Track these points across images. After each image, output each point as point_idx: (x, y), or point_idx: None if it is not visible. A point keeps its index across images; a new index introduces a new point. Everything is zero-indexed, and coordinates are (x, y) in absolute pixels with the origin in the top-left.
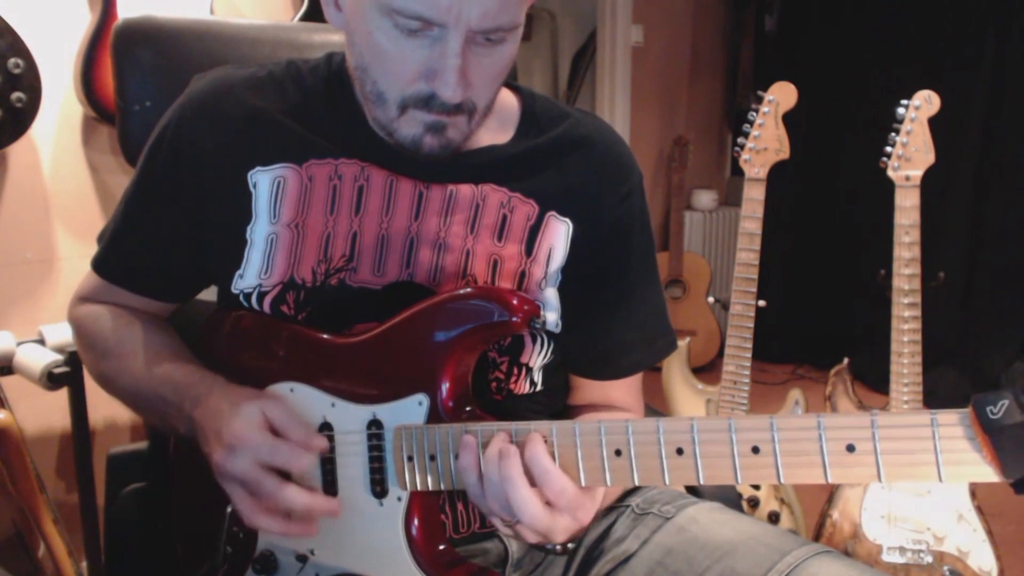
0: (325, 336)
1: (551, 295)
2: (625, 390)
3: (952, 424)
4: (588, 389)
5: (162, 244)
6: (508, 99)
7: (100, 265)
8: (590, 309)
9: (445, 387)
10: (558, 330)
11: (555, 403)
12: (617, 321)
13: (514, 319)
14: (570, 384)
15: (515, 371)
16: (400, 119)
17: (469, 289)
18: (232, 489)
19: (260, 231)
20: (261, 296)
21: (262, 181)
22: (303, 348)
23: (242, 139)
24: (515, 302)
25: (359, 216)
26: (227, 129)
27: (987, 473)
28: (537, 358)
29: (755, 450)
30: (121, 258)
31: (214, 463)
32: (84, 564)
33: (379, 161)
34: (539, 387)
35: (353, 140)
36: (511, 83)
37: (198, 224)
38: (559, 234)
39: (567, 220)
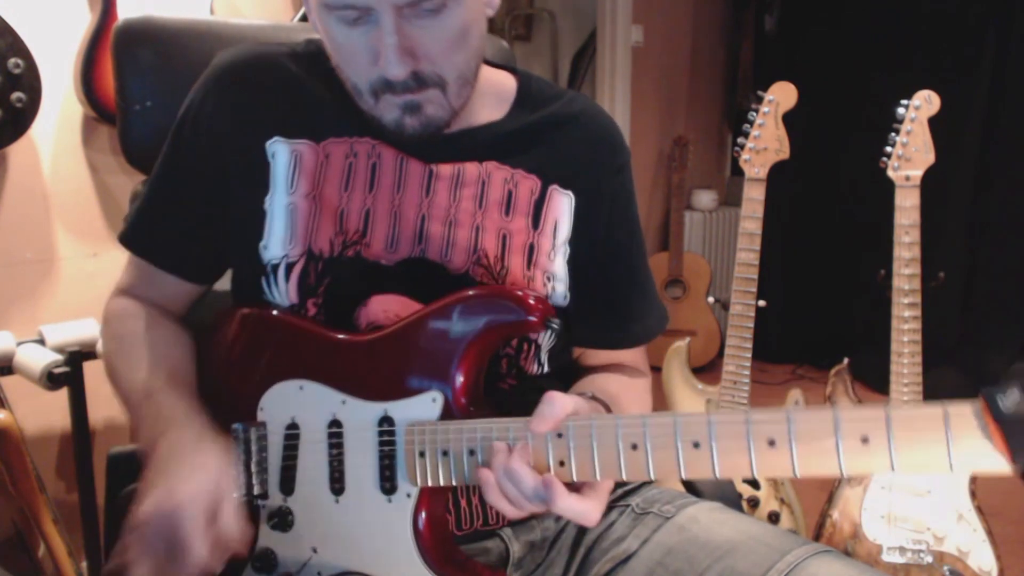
0: (337, 334)
1: (560, 266)
2: (631, 353)
3: (964, 415)
4: (596, 356)
5: (187, 217)
6: (506, 80)
7: (127, 238)
8: (599, 278)
9: (459, 384)
10: (566, 303)
11: (561, 389)
12: (625, 289)
13: (531, 318)
14: (577, 353)
15: (525, 348)
16: (378, 106)
17: (486, 288)
18: (135, 542)
19: (278, 202)
20: (289, 268)
21: (280, 152)
22: (314, 346)
23: (265, 106)
24: (531, 301)
25: (373, 193)
26: (250, 96)
27: (997, 463)
28: (545, 337)
29: (771, 443)
30: (147, 231)
31: (139, 508)
32: (84, 564)
33: (389, 140)
34: (546, 369)
35: (366, 119)
36: (510, 66)
37: (221, 196)
38: (563, 206)
39: (569, 193)
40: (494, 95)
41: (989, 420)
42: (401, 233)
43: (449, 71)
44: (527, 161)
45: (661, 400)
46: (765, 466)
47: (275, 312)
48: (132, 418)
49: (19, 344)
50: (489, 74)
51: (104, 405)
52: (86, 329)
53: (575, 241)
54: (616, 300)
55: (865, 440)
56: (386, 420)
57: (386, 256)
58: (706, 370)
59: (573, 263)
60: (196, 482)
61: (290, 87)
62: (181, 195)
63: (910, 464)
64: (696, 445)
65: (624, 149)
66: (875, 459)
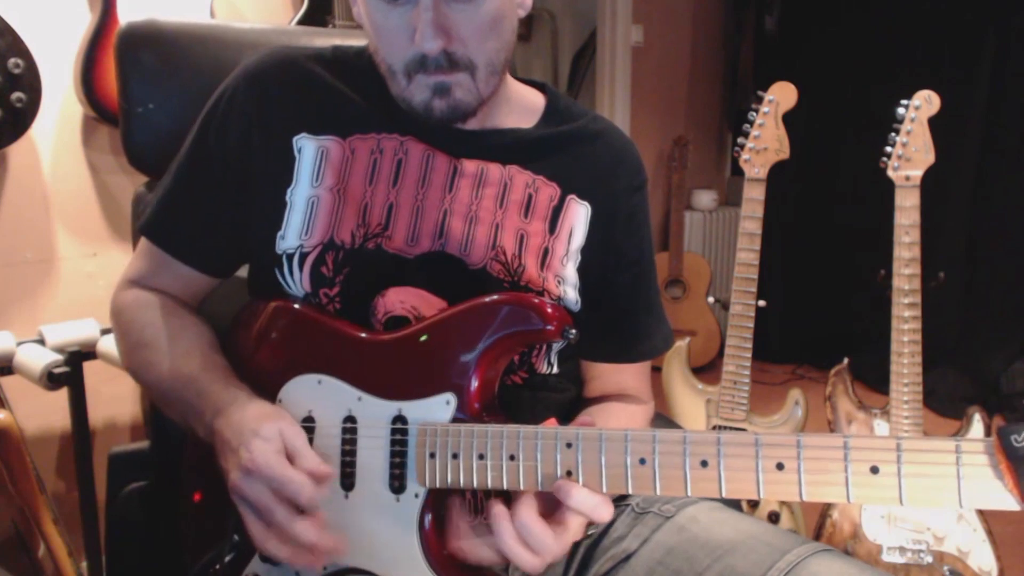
0: (358, 332)
1: (571, 272)
2: (637, 377)
3: (976, 452)
4: (602, 378)
5: (209, 211)
6: (535, 96)
7: (147, 228)
8: (609, 292)
9: (474, 388)
10: (578, 308)
11: (569, 392)
12: (634, 305)
13: (549, 327)
14: (583, 375)
15: (536, 346)
16: (409, 87)
17: (506, 295)
18: (244, 511)
19: (301, 194)
20: (303, 257)
21: (307, 147)
22: (335, 342)
23: (292, 105)
24: (550, 311)
25: (396, 188)
26: (279, 95)
27: (1008, 501)
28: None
29: (779, 467)
30: (168, 222)
31: (229, 482)
32: (84, 564)
33: (417, 135)
34: (555, 369)
35: (394, 114)
36: (540, 83)
37: (244, 191)
38: (579, 216)
39: (586, 204)
40: (523, 107)
41: (1002, 458)
42: (423, 227)
43: (479, 56)
44: (549, 169)
45: (661, 401)
46: (772, 489)
47: (298, 306)
48: (170, 404)
49: (19, 344)
50: (519, 88)
51: (104, 405)
52: (86, 329)
53: (587, 251)
54: (622, 315)
55: (875, 470)
56: (399, 419)
57: (407, 249)
58: (706, 370)
59: (583, 272)
60: (264, 435)
61: (317, 86)
62: (205, 189)
63: (919, 497)
64: (704, 464)
65: (642, 170)
66: (884, 490)
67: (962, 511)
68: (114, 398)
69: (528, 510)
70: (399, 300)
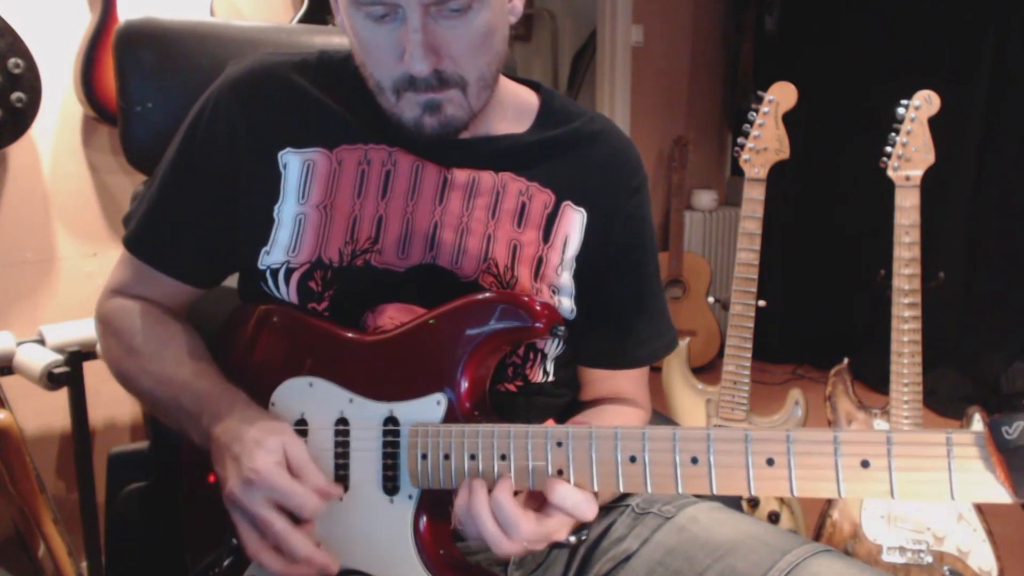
0: (347, 333)
1: (566, 280)
2: (634, 382)
3: (967, 444)
4: (598, 383)
5: (195, 223)
6: (528, 96)
7: (132, 243)
8: (605, 298)
9: (464, 388)
10: (573, 316)
11: (565, 397)
12: (632, 310)
13: (537, 325)
14: (580, 380)
15: (531, 356)
16: (399, 104)
17: (494, 293)
18: (239, 521)
19: (288, 211)
20: (289, 272)
21: (292, 162)
22: (325, 344)
23: (277, 119)
24: (538, 308)
25: (385, 200)
26: (263, 108)
27: (999, 493)
28: (551, 346)
29: (770, 462)
30: (154, 236)
31: (227, 491)
32: (84, 564)
33: (406, 146)
34: (551, 377)
35: (382, 125)
36: (534, 83)
37: (229, 202)
38: (574, 223)
39: (582, 209)
40: (516, 109)
41: (993, 450)
42: (413, 239)
43: (471, 72)
44: (543, 175)
45: (661, 401)
46: (763, 485)
47: (288, 310)
48: (164, 410)
49: (19, 344)
50: (512, 88)
51: (104, 405)
52: (86, 329)
53: (583, 257)
54: (619, 321)
55: (865, 464)
56: (391, 420)
57: (397, 262)
58: (706, 370)
59: (579, 279)
60: (268, 447)
61: (301, 98)
62: (189, 202)
63: (910, 491)
64: (694, 461)
65: (641, 171)
66: (875, 484)
67: (962, 511)
68: (114, 398)
69: (503, 491)
70: (389, 317)
